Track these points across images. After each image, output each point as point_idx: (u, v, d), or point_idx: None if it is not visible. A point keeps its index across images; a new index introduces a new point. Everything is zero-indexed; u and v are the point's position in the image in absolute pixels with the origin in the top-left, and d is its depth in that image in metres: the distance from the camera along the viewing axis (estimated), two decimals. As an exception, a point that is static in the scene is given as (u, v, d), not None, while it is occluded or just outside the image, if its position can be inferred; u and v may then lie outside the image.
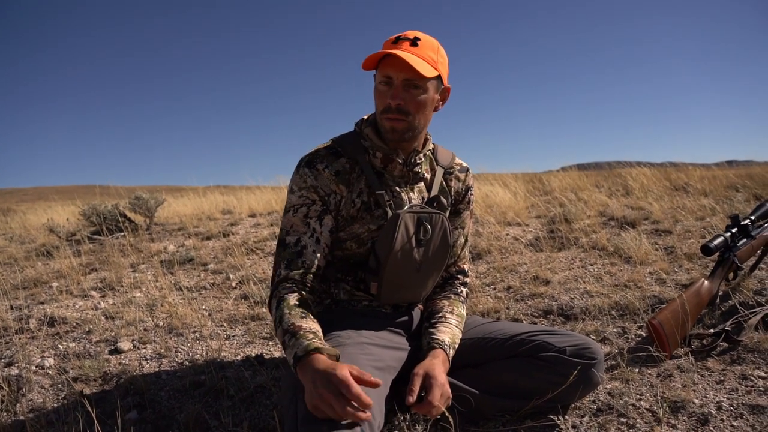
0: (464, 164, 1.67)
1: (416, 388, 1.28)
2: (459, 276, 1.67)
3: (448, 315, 1.54)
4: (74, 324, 2.44)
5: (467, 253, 1.69)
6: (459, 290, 1.64)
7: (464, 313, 1.60)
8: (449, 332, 1.48)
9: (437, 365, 1.35)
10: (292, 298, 1.34)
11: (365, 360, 1.33)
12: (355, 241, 1.51)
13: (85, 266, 3.39)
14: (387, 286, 1.48)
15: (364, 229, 1.49)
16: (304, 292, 1.38)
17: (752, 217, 2.07)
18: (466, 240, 1.68)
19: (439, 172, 1.58)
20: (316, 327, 1.28)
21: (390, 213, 1.46)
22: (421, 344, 1.49)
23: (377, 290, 1.49)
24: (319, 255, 1.43)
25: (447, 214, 1.60)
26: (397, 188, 1.51)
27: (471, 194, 1.67)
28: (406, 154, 1.50)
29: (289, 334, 1.24)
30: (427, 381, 1.30)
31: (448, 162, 1.61)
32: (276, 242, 1.47)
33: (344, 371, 1.10)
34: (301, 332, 1.23)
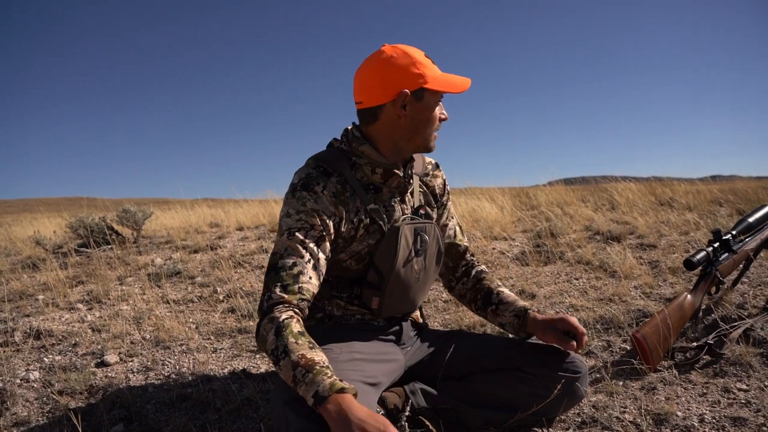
0: (433, 161, 1.71)
1: (577, 326, 1.50)
2: (472, 259, 1.76)
3: (502, 290, 1.66)
4: (60, 337, 2.42)
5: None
6: (481, 269, 1.73)
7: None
8: (519, 299, 1.64)
9: (547, 317, 1.54)
10: (295, 325, 1.27)
11: (356, 375, 1.34)
12: (354, 259, 1.51)
13: (71, 279, 3.36)
14: (389, 299, 1.50)
15: (363, 245, 1.50)
16: (302, 319, 1.33)
17: (734, 232, 2.12)
18: (459, 225, 1.76)
19: (416, 179, 1.61)
20: (326, 359, 1.24)
21: (385, 227, 1.48)
22: (505, 320, 1.61)
23: (379, 305, 1.50)
24: (315, 282, 1.37)
25: (435, 217, 1.65)
26: (392, 202, 1.53)
27: (448, 184, 1.73)
28: (404, 164, 1.53)
29: (301, 368, 1.19)
30: (563, 324, 1.50)
31: (422, 168, 1.64)
32: (267, 263, 1.41)
33: (392, 428, 1.12)
34: (318, 368, 1.18)
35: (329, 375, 1.18)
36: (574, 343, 1.49)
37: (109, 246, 4.18)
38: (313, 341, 1.27)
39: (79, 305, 2.87)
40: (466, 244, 1.76)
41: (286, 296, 1.32)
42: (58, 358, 2.22)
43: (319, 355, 1.22)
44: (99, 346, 2.30)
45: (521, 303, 1.61)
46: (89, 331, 2.49)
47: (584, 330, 1.50)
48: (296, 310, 1.32)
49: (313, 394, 1.15)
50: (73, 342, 2.36)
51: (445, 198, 1.70)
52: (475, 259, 1.76)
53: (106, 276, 3.34)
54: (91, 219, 4.31)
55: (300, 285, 1.34)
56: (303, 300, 1.34)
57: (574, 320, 1.50)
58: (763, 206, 2.22)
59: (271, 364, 2.09)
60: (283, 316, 1.29)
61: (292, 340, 1.24)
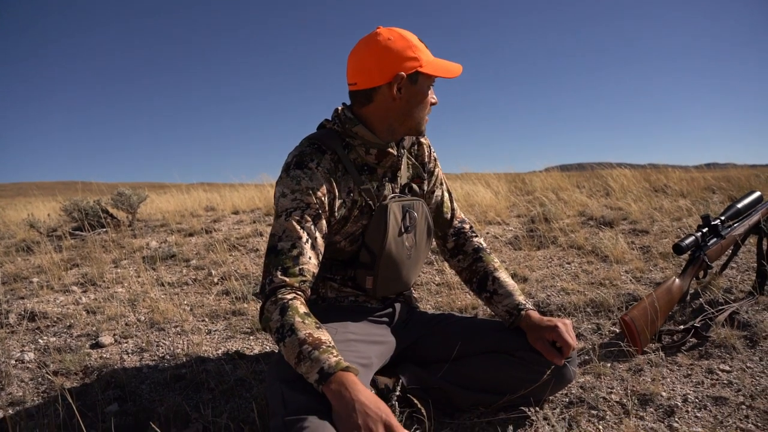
0: None
1: (566, 339, 1.46)
2: (464, 226, 1.75)
3: (499, 275, 1.65)
4: (55, 319, 2.44)
5: (456, 204, 1.78)
6: (478, 244, 1.73)
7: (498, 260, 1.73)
8: (516, 290, 1.62)
9: (542, 318, 1.52)
10: (300, 306, 1.29)
11: (352, 356, 1.36)
12: (348, 240, 1.53)
13: (66, 262, 3.37)
14: (383, 277, 1.51)
15: (357, 226, 1.51)
16: (305, 300, 1.34)
17: (722, 218, 2.14)
18: (450, 192, 1.76)
19: (404, 155, 1.60)
20: (331, 339, 1.25)
21: (374, 205, 1.50)
22: (497, 312, 1.61)
23: (373, 284, 1.52)
24: (314, 262, 1.37)
25: (425, 189, 1.66)
26: (383, 181, 1.53)
27: (433, 151, 1.72)
28: (396, 143, 1.54)
29: (308, 345, 1.20)
30: (553, 335, 1.47)
31: (409, 142, 1.63)
32: (266, 245, 1.40)
33: (393, 419, 1.12)
34: (324, 347, 1.20)
35: (335, 354, 1.20)
36: (560, 357, 1.46)
37: (104, 229, 4.18)
38: (318, 322, 1.28)
39: (74, 288, 2.89)
40: (453, 212, 1.74)
41: (287, 279, 1.32)
42: (52, 339, 2.24)
43: (325, 335, 1.24)
44: (94, 328, 2.32)
45: (516, 298, 1.58)
46: (84, 313, 2.51)
47: (571, 342, 1.45)
48: (299, 293, 1.33)
49: (318, 370, 1.16)
50: (68, 324, 2.38)
51: (431, 165, 1.69)
52: (469, 229, 1.75)
53: (100, 259, 3.36)
54: (86, 202, 4.30)
55: (300, 266, 1.34)
56: (304, 281, 1.35)
57: (563, 331, 1.46)
58: (751, 192, 2.24)
59: (270, 343, 2.11)
60: (287, 297, 1.30)
61: (298, 319, 1.25)
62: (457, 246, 1.73)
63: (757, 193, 2.23)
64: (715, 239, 2.10)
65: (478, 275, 1.67)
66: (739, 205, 2.18)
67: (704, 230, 2.09)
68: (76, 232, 4.14)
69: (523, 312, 1.55)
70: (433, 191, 1.70)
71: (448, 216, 1.73)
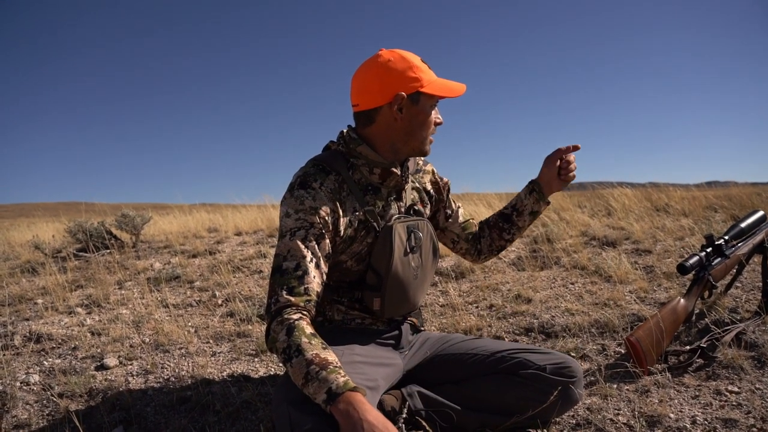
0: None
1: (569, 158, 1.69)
2: (477, 223, 1.86)
3: (499, 212, 1.81)
4: (60, 340, 2.44)
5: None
6: (478, 223, 1.85)
7: None
8: (519, 196, 1.77)
9: (544, 171, 1.72)
10: (306, 327, 1.29)
11: (358, 379, 1.35)
12: (354, 259, 1.53)
13: (70, 283, 3.38)
14: (390, 298, 1.51)
15: (363, 245, 1.51)
16: (311, 320, 1.35)
17: (726, 237, 2.15)
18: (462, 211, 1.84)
19: (409, 178, 1.63)
20: (338, 360, 1.25)
21: (378, 226, 1.51)
22: (524, 205, 1.75)
23: (380, 305, 1.52)
24: (318, 281, 1.38)
25: (428, 213, 1.69)
26: (389, 201, 1.55)
27: (439, 176, 1.77)
28: (401, 163, 1.56)
29: (315, 366, 1.20)
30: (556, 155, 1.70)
31: (413, 166, 1.68)
32: (271, 265, 1.41)
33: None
34: (331, 367, 1.20)
35: (342, 375, 1.20)
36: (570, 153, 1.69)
37: (108, 250, 4.20)
38: (325, 343, 1.28)
39: (79, 309, 2.89)
40: (470, 219, 1.85)
41: (293, 299, 1.33)
42: (57, 361, 2.23)
43: (332, 356, 1.24)
44: (98, 350, 2.32)
45: (523, 196, 1.75)
46: (89, 334, 2.51)
47: (570, 157, 1.70)
48: (304, 312, 1.34)
49: (326, 390, 1.16)
50: (73, 345, 2.38)
51: (441, 185, 1.75)
52: (475, 224, 1.85)
53: (105, 280, 3.36)
54: (90, 224, 4.33)
55: (306, 286, 1.35)
56: (309, 301, 1.35)
57: (559, 151, 1.69)
58: (755, 212, 2.25)
59: (276, 365, 2.11)
60: (294, 317, 1.30)
61: (305, 340, 1.25)
62: (476, 239, 1.84)
63: (761, 213, 2.24)
64: (719, 259, 2.11)
65: (490, 224, 1.81)
66: (743, 225, 2.19)
67: (708, 250, 2.10)
68: (81, 254, 4.15)
69: (533, 180, 1.74)
70: (451, 207, 1.79)
71: (471, 223, 1.83)
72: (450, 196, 1.79)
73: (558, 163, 1.70)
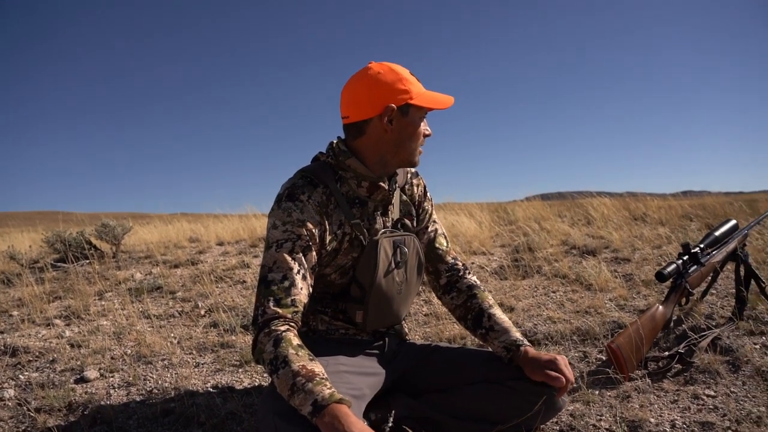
0: (413, 170, 1.72)
1: (565, 373, 1.46)
2: (457, 263, 1.73)
3: (494, 311, 1.63)
4: (37, 353, 2.39)
5: (449, 242, 1.77)
6: (472, 281, 1.70)
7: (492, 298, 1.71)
8: (512, 326, 1.60)
9: (539, 352, 1.51)
10: (293, 338, 1.30)
11: (343, 388, 1.36)
12: (338, 272, 1.54)
13: (48, 294, 3.32)
14: (373, 312, 1.52)
15: (347, 258, 1.52)
16: (297, 332, 1.35)
17: (702, 245, 2.20)
18: (443, 230, 1.76)
19: (397, 193, 1.64)
20: (324, 372, 1.26)
21: (365, 241, 1.52)
22: (494, 348, 1.59)
23: (363, 318, 1.52)
24: (305, 293, 1.39)
25: (415, 228, 1.67)
26: (375, 215, 1.56)
27: (428, 190, 1.75)
28: (388, 177, 1.56)
29: (301, 377, 1.21)
30: (552, 366, 1.45)
31: (403, 179, 1.66)
32: (258, 275, 1.41)
33: None
34: (318, 378, 1.21)
35: (328, 386, 1.21)
36: (562, 381, 1.44)
37: (88, 261, 4.13)
38: (312, 354, 1.29)
39: (57, 321, 2.84)
40: (446, 248, 1.73)
41: (280, 310, 1.33)
42: (34, 375, 2.19)
43: (318, 367, 1.25)
44: (78, 362, 2.28)
45: (513, 335, 1.56)
46: (68, 347, 2.47)
47: (572, 377, 1.46)
48: (291, 324, 1.34)
49: (312, 402, 1.17)
50: (51, 358, 2.33)
51: (426, 204, 1.72)
52: (462, 267, 1.73)
53: (84, 291, 3.31)
54: (69, 233, 4.26)
55: (292, 297, 1.36)
56: (296, 312, 1.36)
57: (562, 365, 1.46)
58: (728, 221, 2.31)
59: (261, 376, 2.10)
60: (281, 329, 1.30)
61: (292, 351, 1.26)
62: (450, 283, 1.72)
63: (733, 221, 2.31)
64: (695, 266, 2.16)
65: (472, 312, 1.65)
66: (717, 233, 2.25)
67: (685, 258, 2.15)
68: (59, 264, 4.08)
69: (521, 348, 1.53)
70: (427, 227, 1.72)
71: (441, 252, 1.72)
72: (433, 218, 1.75)
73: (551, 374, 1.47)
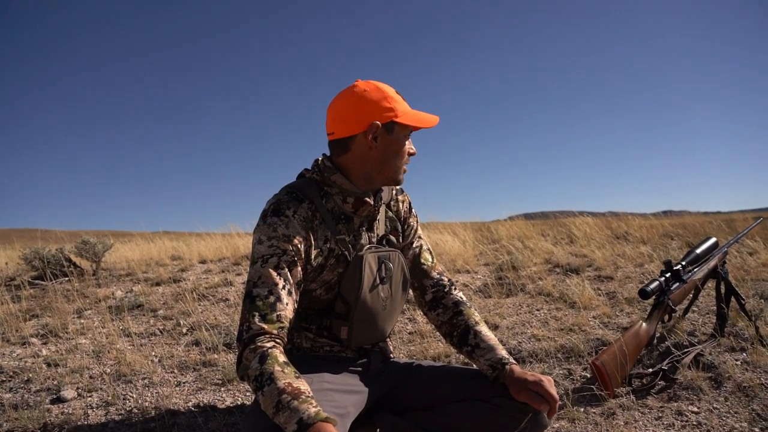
0: (398, 186, 1.71)
1: (552, 394, 1.41)
2: (443, 279, 1.71)
3: (480, 329, 1.60)
4: (11, 373, 2.33)
5: (434, 258, 1.74)
6: (458, 297, 1.68)
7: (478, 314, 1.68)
8: (498, 344, 1.56)
9: (525, 372, 1.47)
10: (279, 355, 1.28)
11: (328, 406, 1.34)
12: (324, 288, 1.53)
13: (25, 312, 3.24)
14: (358, 327, 1.51)
15: (333, 274, 1.51)
16: (283, 348, 1.33)
17: (683, 263, 2.24)
18: (429, 246, 1.75)
19: (382, 209, 1.64)
20: (310, 389, 1.24)
21: (350, 256, 1.51)
22: (479, 365, 1.56)
23: (348, 334, 1.51)
24: (291, 308, 1.37)
25: (400, 243, 1.66)
26: (360, 230, 1.56)
27: (413, 207, 1.74)
28: (374, 193, 1.56)
29: (287, 395, 1.19)
30: (538, 388, 1.41)
31: (388, 195, 1.65)
32: (243, 291, 1.42)
33: None
34: (303, 396, 1.19)
35: (314, 405, 1.19)
36: (546, 404, 1.42)
37: (67, 278, 4.05)
38: (297, 372, 1.27)
39: (33, 339, 2.77)
40: (431, 264, 1.72)
41: (265, 326, 1.32)
42: (8, 395, 2.13)
43: (304, 386, 1.23)
44: (55, 382, 2.22)
45: (499, 353, 1.53)
46: (44, 366, 2.40)
47: (557, 398, 1.43)
48: (277, 340, 1.33)
49: (297, 420, 1.15)
50: (26, 378, 2.27)
51: (411, 220, 1.72)
52: (447, 282, 1.72)
53: (63, 309, 3.24)
54: (48, 250, 4.18)
55: (278, 313, 1.34)
56: (282, 328, 1.35)
57: (548, 386, 1.43)
58: (708, 239, 2.35)
59: (243, 394, 2.06)
60: (266, 345, 1.29)
61: (278, 368, 1.24)
62: (435, 299, 1.70)
63: (713, 239, 2.35)
64: (677, 284, 2.19)
65: (458, 329, 1.63)
66: (698, 251, 2.29)
67: (667, 275, 2.18)
68: (36, 282, 4.00)
69: (507, 366, 1.51)
70: (412, 243, 1.72)
71: (426, 267, 1.71)
72: (418, 233, 1.74)
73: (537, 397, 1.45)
